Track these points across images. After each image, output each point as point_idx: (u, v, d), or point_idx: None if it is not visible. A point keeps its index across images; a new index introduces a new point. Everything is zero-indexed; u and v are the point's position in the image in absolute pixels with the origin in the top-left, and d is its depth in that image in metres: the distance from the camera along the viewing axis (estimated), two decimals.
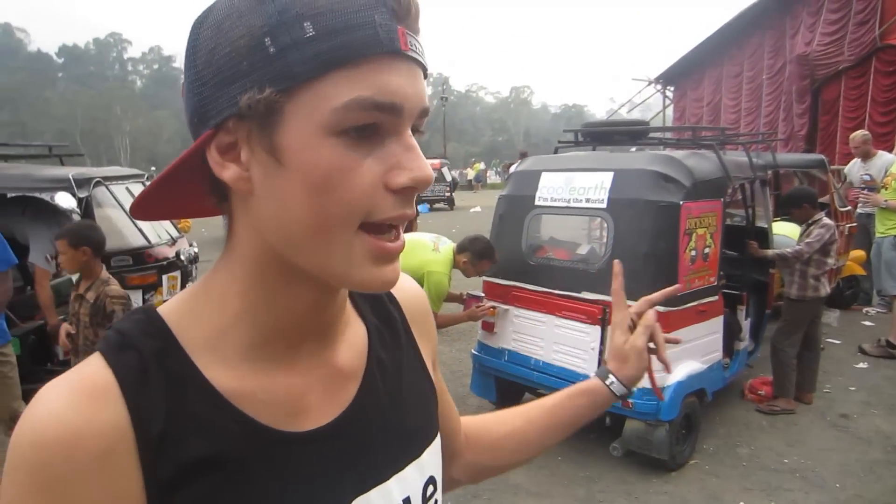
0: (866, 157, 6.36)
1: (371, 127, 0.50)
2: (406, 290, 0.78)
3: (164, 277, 4.73)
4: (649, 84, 15.72)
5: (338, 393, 0.63)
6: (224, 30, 0.50)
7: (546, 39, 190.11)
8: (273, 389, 0.58)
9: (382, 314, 0.73)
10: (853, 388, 4.88)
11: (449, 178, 22.29)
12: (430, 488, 0.70)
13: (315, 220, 0.51)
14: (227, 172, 0.53)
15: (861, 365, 5.32)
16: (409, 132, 0.53)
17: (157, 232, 5.11)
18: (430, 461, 0.70)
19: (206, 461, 0.53)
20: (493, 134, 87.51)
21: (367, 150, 0.51)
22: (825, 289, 4.42)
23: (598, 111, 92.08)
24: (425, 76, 0.55)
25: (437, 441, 0.73)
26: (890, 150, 8.27)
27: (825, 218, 4.40)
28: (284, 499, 0.57)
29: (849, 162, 6.81)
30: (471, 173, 33.87)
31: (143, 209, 0.62)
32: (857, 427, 4.22)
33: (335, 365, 0.64)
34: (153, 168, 23.06)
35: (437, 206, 21.59)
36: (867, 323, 6.25)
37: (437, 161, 22.31)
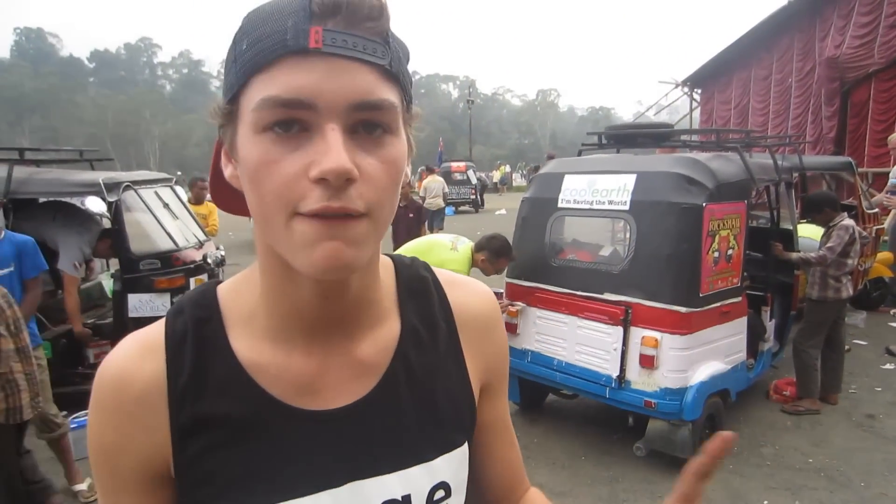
0: None
1: (293, 123, 0.54)
2: (465, 298, 0.78)
3: (192, 280, 4.76)
4: (676, 87, 15.62)
5: (353, 383, 0.67)
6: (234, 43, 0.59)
7: (573, 42, 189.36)
8: (287, 367, 0.65)
9: (426, 315, 0.74)
10: (879, 389, 4.85)
11: (474, 181, 22.30)
12: (440, 493, 0.70)
13: (259, 209, 0.57)
14: (227, 171, 0.63)
15: (888, 366, 5.28)
16: (331, 127, 0.53)
17: (185, 235, 5.17)
18: (445, 468, 0.71)
19: (216, 417, 0.62)
20: (519, 137, 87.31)
21: (294, 146, 0.54)
22: (847, 290, 4.42)
23: (626, 114, 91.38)
24: (391, 68, 0.56)
25: (461, 451, 0.73)
26: None
27: (846, 220, 4.41)
28: (278, 464, 0.63)
29: (877, 164, 6.74)
30: (496, 176, 33.83)
31: (220, 200, 0.74)
32: (884, 427, 4.22)
33: (356, 356, 0.67)
34: (179, 172, 23.34)
35: (462, 208, 21.63)
36: (894, 324, 6.18)
37: (462, 164, 22.36)
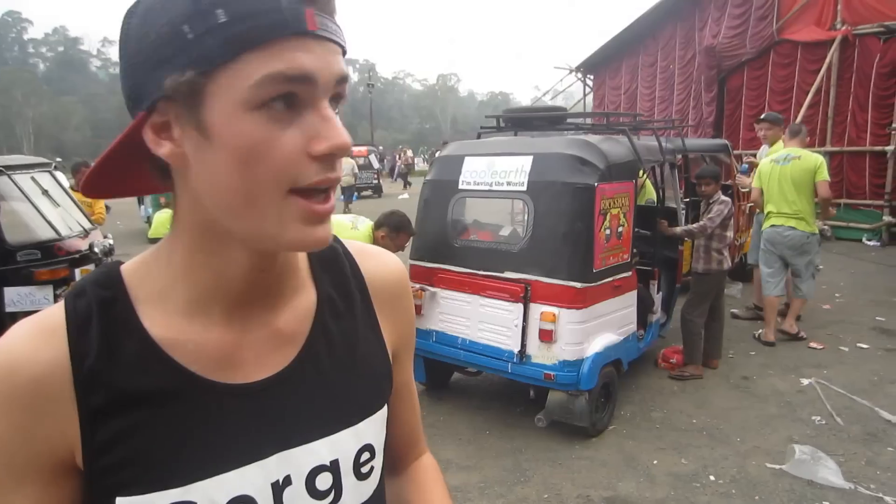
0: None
1: (289, 97, 0.55)
2: (376, 267, 0.80)
3: (77, 271, 4.49)
4: (570, 72, 16.12)
5: (274, 354, 0.67)
6: (150, 19, 0.55)
7: (472, 27, 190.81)
8: (205, 342, 0.64)
9: (340, 284, 0.75)
10: (753, 353, 5.31)
11: (377, 165, 22.14)
12: (366, 454, 0.73)
13: (245, 188, 0.56)
14: (163, 149, 0.58)
15: (760, 331, 5.77)
16: (326, 103, 0.57)
17: (68, 224, 4.86)
18: (369, 430, 0.73)
19: (131, 398, 0.60)
20: (421, 121, 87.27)
21: (287, 122, 0.55)
22: (728, 262, 4.79)
23: (524, 98, 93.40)
24: (344, 54, 0.61)
25: (382, 414, 0.76)
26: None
27: (723, 196, 4.77)
28: (201, 441, 0.62)
29: (750, 147, 7.28)
30: (408, 158, 33.80)
31: (93, 187, 0.67)
32: (757, 387, 4.62)
33: (276, 328, 0.68)
34: (59, 158, 21.64)
35: (365, 193, 21.45)
36: None
37: (364, 148, 22.13)
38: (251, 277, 0.64)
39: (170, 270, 0.64)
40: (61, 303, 0.63)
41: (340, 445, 0.70)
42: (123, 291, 0.63)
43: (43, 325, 0.61)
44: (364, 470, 0.73)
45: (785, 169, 5.43)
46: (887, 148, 9.80)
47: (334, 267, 0.76)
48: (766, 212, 5.62)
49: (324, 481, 0.69)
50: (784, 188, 5.41)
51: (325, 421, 0.69)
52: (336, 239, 0.79)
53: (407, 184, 25.06)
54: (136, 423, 0.60)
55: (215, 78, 0.54)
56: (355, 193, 18.27)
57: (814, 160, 5.39)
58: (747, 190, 6.33)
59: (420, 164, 37.15)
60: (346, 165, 16.42)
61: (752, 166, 6.59)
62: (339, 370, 0.71)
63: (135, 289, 0.64)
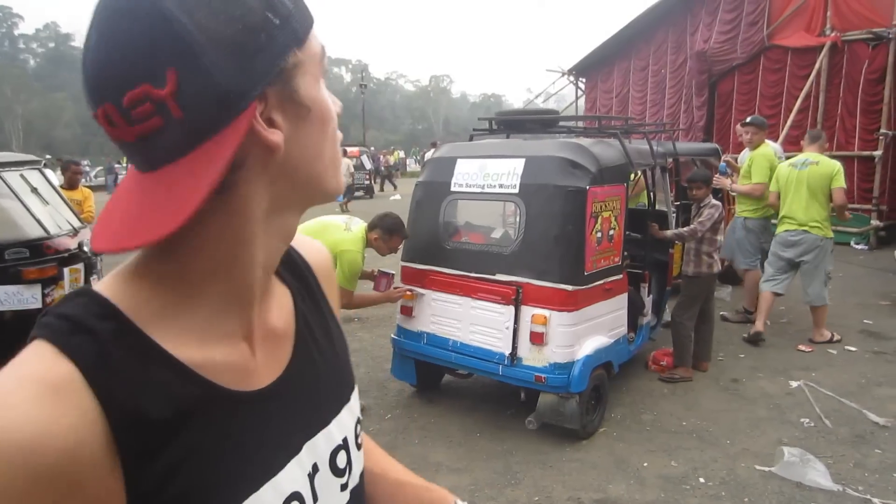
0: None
1: None
2: (315, 253, 0.84)
3: (66, 270, 4.45)
4: (563, 75, 16.17)
5: (277, 352, 0.69)
6: (220, 12, 0.52)
7: (465, 29, 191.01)
8: (227, 354, 0.62)
9: (299, 276, 0.78)
10: (742, 356, 5.34)
11: (369, 166, 22.10)
12: (358, 427, 0.80)
13: (332, 148, 0.66)
14: (276, 136, 0.56)
15: (749, 333, 5.81)
16: None
17: (57, 222, 4.81)
18: (356, 404, 0.80)
19: (174, 428, 0.55)
20: (413, 122, 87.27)
21: None
22: (718, 266, 4.82)
23: (516, 101, 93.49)
24: None
25: (356, 386, 0.82)
26: (776, 141, 8.96)
27: (713, 199, 4.80)
28: (247, 452, 0.62)
29: (740, 151, 7.31)
30: (390, 160, 33.72)
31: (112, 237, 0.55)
32: (746, 389, 4.64)
33: (271, 326, 0.69)
34: (48, 156, 21.44)
35: (357, 193, 21.39)
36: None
37: (356, 149, 22.10)
38: (265, 276, 0.66)
39: (180, 288, 0.59)
40: (46, 349, 0.52)
41: (344, 423, 0.76)
42: (124, 318, 0.56)
43: (48, 381, 0.50)
44: (360, 441, 0.80)
45: (802, 174, 5.53)
46: (875, 153, 9.90)
47: (288, 259, 0.77)
48: (780, 216, 5.74)
49: (342, 460, 0.74)
50: (800, 193, 5.51)
51: (330, 404, 0.75)
52: None
53: (392, 185, 24.89)
54: (183, 455, 0.55)
55: (302, 55, 0.59)
56: (352, 193, 19.23)
57: (831, 166, 5.49)
58: (727, 189, 6.37)
59: (412, 166, 37.15)
60: (343, 165, 16.68)
61: (731, 167, 6.65)
62: (323, 356, 0.75)
63: (136, 313, 0.57)
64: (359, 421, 0.80)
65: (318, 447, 0.71)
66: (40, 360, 0.51)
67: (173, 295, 0.59)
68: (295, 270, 0.78)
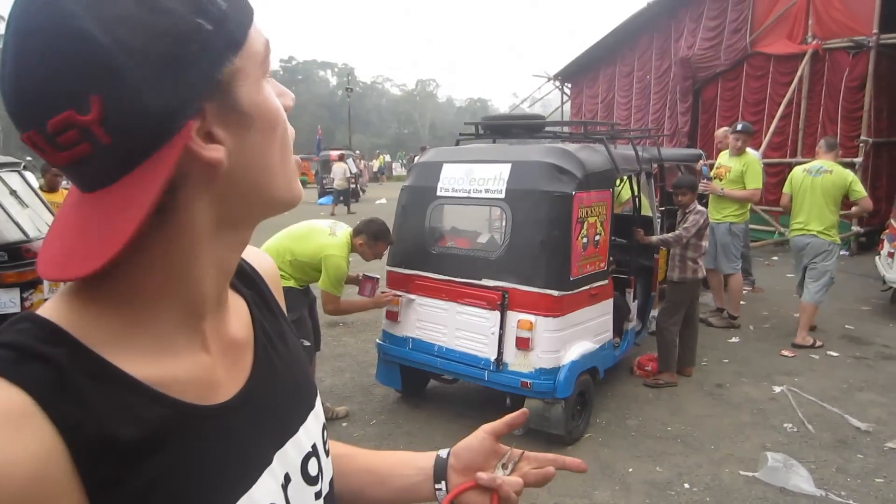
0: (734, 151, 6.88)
1: None
2: (262, 261, 0.83)
3: None
4: (548, 80, 16.23)
5: (238, 364, 0.67)
6: (143, 26, 0.48)
7: (452, 33, 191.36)
8: (189, 369, 0.60)
9: (252, 285, 0.77)
10: (726, 361, 5.37)
11: (354, 170, 22.01)
12: (325, 433, 0.78)
13: (279, 154, 0.60)
14: (217, 153, 0.53)
15: (733, 339, 5.86)
16: None
17: (37, 225, 4.76)
18: (320, 410, 0.78)
19: (140, 451, 0.52)
20: (399, 126, 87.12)
21: None
22: (702, 271, 4.85)
23: (502, 105, 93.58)
24: None
25: (318, 391, 0.81)
26: (758, 147, 9.07)
27: (698, 206, 4.83)
28: (219, 468, 0.60)
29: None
30: (376, 165, 33.65)
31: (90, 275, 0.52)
32: (730, 395, 4.67)
33: (231, 337, 0.67)
34: (29, 158, 21.08)
35: (341, 197, 21.31)
36: (743, 302, 6.82)
37: (336, 153, 21.99)
38: (220, 288, 0.64)
39: (133, 306, 0.56)
40: None
41: (312, 429, 0.74)
42: (75, 341, 0.52)
43: (1, 414, 0.46)
44: (328, 446, 0.78)
45: (816, 181, 5.67)
46: (856, 160, 10.02)
47: (239, 269, 0.75)
48: (792, 221, 5.90)
49: (313, 467, 0.72)
50: (814, 199, 5.67)
51: (296, 411, 0.73)
52: None
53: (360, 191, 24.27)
54: (153, 477, 0.52)
55: (241, 60, 0.55)
56: (331, 197, 19.61)
57: (845, 176, 5.66)
58: (718, 195, 6.42)
59: (398, 170, 37.11)
60: (339, 170, 17.81)
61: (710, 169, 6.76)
62: (284, 364, 0.73)
63: (86, 336, 0.53)
64: (325, 427, 0.79)
65: (288, 456, 0.69)
66: None
67: (123, 315, 0.56)
68: (246, 280, 0.77)
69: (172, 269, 0.57)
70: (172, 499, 0.54)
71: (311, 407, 0.76)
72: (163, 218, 0.53)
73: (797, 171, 5.90)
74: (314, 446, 0.74)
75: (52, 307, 0.55)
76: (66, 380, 0.49)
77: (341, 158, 19.94)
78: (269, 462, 0.65)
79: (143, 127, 0.49)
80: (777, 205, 11.00)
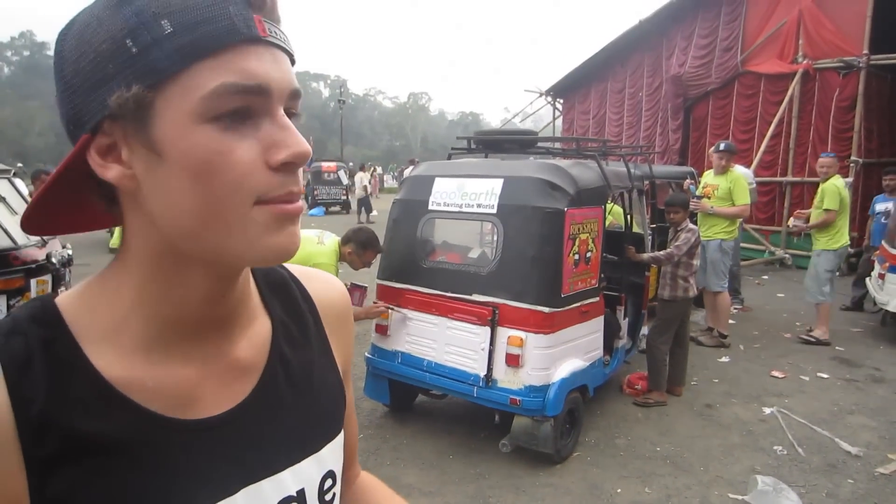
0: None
1: (243, 110, 0.53)
2: (323, 289, 0.79)
3: (33, 282, 4.36)
4: (540, 96, 16.28)
5: (233, 385, 0.65)
6: (87, 38, 0.53)
7: (444, 47, 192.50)
8: (164, 379, 0.59)
9: (292, 310, 0.74)
10: (716, 381, 5.34)
11: (346, 181, 22.01)
12: (329, 482, 0.72)
13: (206, 205, 0.53)
14: (111, 173, 0.54)
15: (723, 359, 5.83)
16: (282, 112, 0.55)
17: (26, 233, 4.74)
18: (330, 457, 0.72)
19: (87, 445, 0.54)
20: (391, 138, 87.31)
21: (242, 133, 0.53)
22: (693, 290, 4.83)
23: (494, 120, 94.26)
24: (293, 62, 0.59)
25: (340, 437, 0.75)
26: (749, 166, 9.11)
27: (690, 224, 4.82)
28: (166, 483, 0.58)
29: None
30: (365, 178, 33.52)
31: (33, 223, 0.62)
32: (720, 415, 4.63)
33: (233, 358, 0.65)
34: (20, 164, 21.04)
35: (333, 209, 21.31)
36: (731, 321, 6.82)
37: (333, 164, 22.02)
38: (209, 307, 0.62)
39: (119, 304, 0.60)
40: None
41: (305, 474, 0.69)
42: (64, 329, 0.57)
43: None
44: (328, 497, 0.72)
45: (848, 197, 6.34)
46: (847, 180, 10.09)
47: (284, 292, 0.74)
48: (839, 233, 6.27)
49: None
50: (848, 213, 6.38)
51: (289, 450, 0.68)
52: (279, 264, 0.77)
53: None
54: (93, 472, 0.54)
55: (164, 91, 0.51)
56: (322, 208, 20.69)
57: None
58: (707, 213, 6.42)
59: (389, 182, 37.09)
60: (360, 179, 19.30)
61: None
62: (298, 397, 0.69)
63: (78, 326, 0.58)
64: (331, 476, 0.72)
65: (262, 494, 0.64)
66: None
67: (116, 310, 0.59)
68: (288, 302, 0.74)
69: (140, 279, 0.59)
70: (101, 501, 0.55)
71: (315, 451, 0.70)
72: (124, 221, 0.59)
73: (843, 190, 6.31)
74: (301, 493, 0.68)
75: (71, 291, 0.61)
76: (33, 359, 0.54)
77: (362, 169, 21.45)
78: (229, 494, 0.62)
79: (66, 121, 0.56)
80: (768, 224, 11.12)
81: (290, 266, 0.79)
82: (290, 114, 0.57)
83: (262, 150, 0.54)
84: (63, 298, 0.60)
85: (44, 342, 0.56)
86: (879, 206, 7.55)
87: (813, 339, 6.31)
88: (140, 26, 0.51)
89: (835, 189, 6.25)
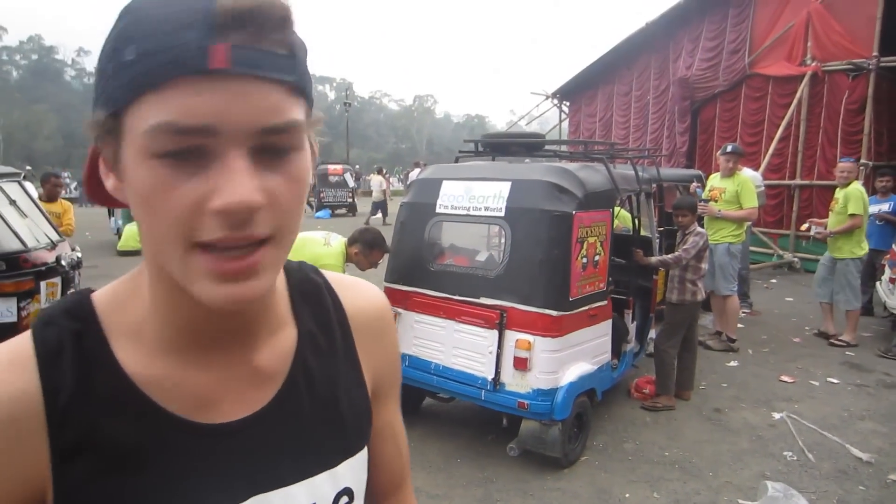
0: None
1: (195, 149, 0.49)
2: (358, 299, 0.77)
3: (43, 284, 4.40)
4: (546, 98, 16.26)
5: (252, 393, 0.64)
6: (100, 56, 0.54)
7: (449, 49, 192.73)
8: (182, 381, 0.60)
9: (322, 320, 0.72)
10: (725, 385, 5.30)
11: (352, 184, 22.04)
12: (344, 499, 0.70)
13: (150, 235, 0.53)
14: (108, 182, 0.57)
15: (732, 363, 5.79)
16: (237, 154, 0.50)
17: (35, 235, 4.76)
18: (348, 473, 0.70)
19: (104, 438, 0.56)
20: (397, 141, 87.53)
21: (191, 171, 0.49)
22: (701, 293, 4.80)
23: (499, 122, 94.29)
24: (302, 87, 0.53)
25: (362, 455, 0.73)
26: (757, 168, 9.06)
27: (698, 227, 4.80)
28: (176, 484, 0.58)
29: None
30: (382, 181, 33.54)
31: (96, 195, 0.64)
32: (729, 420, 4.60)
33: (254, 366, 0.64)
34: (28, 167, 21.16)
35: (339, 211, 21.34)
36: (739, 325, 6.78)
37: (339, 166, 22.05)
38: (220, 319, 0.61)
39: (141, 305, 0.61)
40: (28, 333, 0.59)
41: (318, 489, 0.67)
42: (96, 323, 0.60)
43: (9, 357, 0.56)
44: None
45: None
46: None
47: (315, 301, 0.73)
48: (862, 237, 6.37)
49: None
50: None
51: (303, 463, 0.66)
52: (316, 271, 0.76)
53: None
54: (108, 466, 0.56)
55: (124, 119, 0.51)
56: (328, 211, 20.61)
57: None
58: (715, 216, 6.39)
59: (395, 184, 37.13)
60: (376, 182, 19.12)
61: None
62: (318, 410, 0.68)
63: (108, 321, 0.60)
64: (347, 493, 0.70)
65: None
66: (17, 339, 0.58)
67: (140, 309, 0.61)
68: (319, 313, 0.73)
69: (151, 285, 0.61)
70: (119, 496, 0.56)
71: (331, 466, 0.68)
72: None
73: (866, 196, 6.37)
74: None
75: (109, 286, 0.64)
76: (64, 351, 0.57)
77: (379, 172, 21.38)
78: (237, 501, 0.61)
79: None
80: (776, 227, 11.06)
81: (328, 273, 0.78)
82: (277, 149, 0.52)
83: (204, 192, 0.49)
84: (99, 293, 0.62)
85: (75, 335, 0.58)
86: (872, 208, 7.50)
87: (843, 343, 6.29)
88: (114, 52, 0.51)
89: (858, 193, 6.25)
